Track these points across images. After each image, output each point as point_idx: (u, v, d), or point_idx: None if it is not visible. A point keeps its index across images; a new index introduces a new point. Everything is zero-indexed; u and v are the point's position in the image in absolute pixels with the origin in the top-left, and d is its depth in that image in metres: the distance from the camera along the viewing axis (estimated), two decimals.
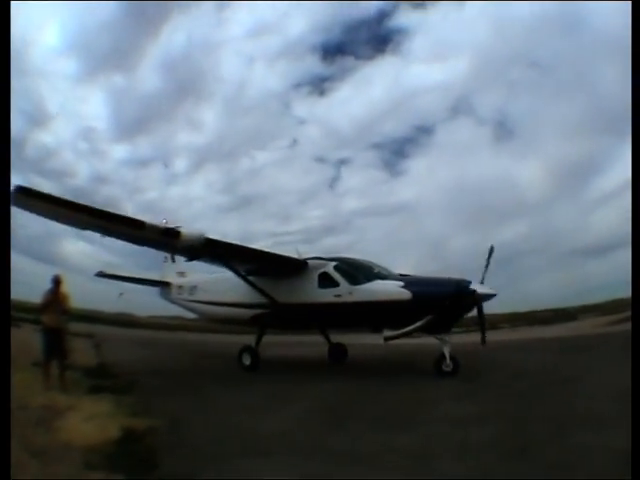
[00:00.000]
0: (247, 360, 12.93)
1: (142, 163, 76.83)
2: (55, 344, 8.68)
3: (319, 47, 71.96)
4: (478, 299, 11.16)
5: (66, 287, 9.20)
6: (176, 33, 65.22)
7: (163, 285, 18.25)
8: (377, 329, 12.01)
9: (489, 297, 11.37)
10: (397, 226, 62.44)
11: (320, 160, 72.07)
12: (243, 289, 13.66)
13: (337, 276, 12.41)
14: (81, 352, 13.10)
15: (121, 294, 22.68)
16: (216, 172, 75.93)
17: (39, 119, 67.95)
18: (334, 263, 12.71)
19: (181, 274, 17.96)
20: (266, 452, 5.55)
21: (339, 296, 12.13)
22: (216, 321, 17.07)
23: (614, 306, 28.17)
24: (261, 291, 13.04)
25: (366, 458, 5.30)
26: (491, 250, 11.96)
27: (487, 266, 11.70)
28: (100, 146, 70.99)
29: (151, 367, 13.22)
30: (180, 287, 17.28)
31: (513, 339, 20.39)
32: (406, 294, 11.27)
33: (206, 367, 14.49)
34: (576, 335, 20.32)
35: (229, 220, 68.99)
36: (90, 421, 6.50)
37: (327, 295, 12.34)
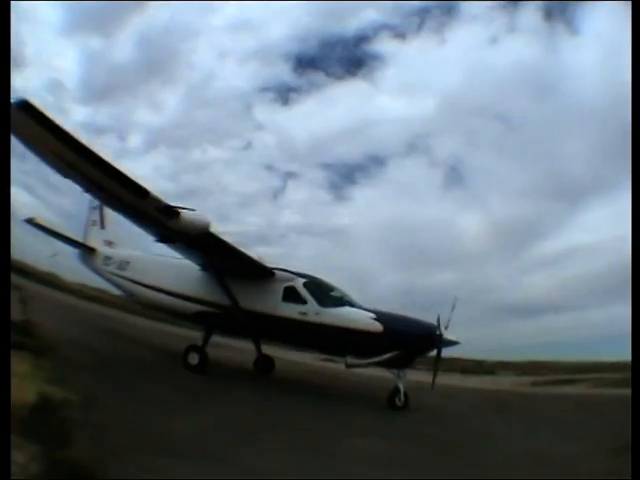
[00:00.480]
0: (194, 360, 12.09)
1: (98, 130, 74.27)
2: None
3: (292, 56, 71.77)
4: (442, 344, 11.86)
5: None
6: (161, 10, 64.30)
7: (87, 250, 16.90)
8: (339, 354, 12.58)
9: (453, 344, 12.29)
10: (329, 249, 62.27)
11: (269, 168, 71.06)
12: (190, 280, 13.36)
13: (305, 293, 12.28)
14: None
15: (54, 255, 21.91)
16: (166, 157, 74.61)
17: (13, 62, 65.16)
18: (303, 280, 12.55)
19: (109, 243, 16.83)
20: (176, 449, 5.70)
21: (304, 314, 12.01)
22: (149, 307, 15.88)
23: (531, 367, 29.01)
24: (227, 292, 12.33)
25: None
26: (454, 302, 12.18)
27: (452, 310, 12.06)
28: (63, 103, 68.80)
29: (75, 338, 12.68)
30: (108, 258, 15.96)
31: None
32: (377, 326, 11.56)
33: (132, 352, 14.02)
34: (495, 389, 20.79)
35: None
36: None
37: (291, 310, 12.16)
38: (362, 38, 61.63)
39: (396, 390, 11.60)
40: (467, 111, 61.88)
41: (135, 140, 74.86)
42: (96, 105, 77.46)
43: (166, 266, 14.25)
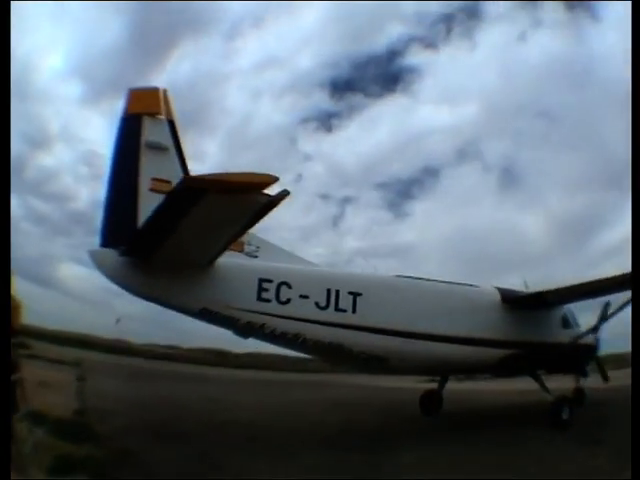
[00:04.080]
0: (566, 413, 9.90)
1: None
2: None
3: (327, 83, 72.16)
4: None
5: (17, 293, 5.35)
6: (182, 61, 64.21)
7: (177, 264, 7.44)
8: (578, 370, 12.73)
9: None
10: (397, 267, 60.43)
11: (324, 197, 70.83)
12: (493, 318, 10.17)
13: (571, 318, 11.95)
14: (58, 389, 9.29)
15: (118, 320, 19.59)
16: None
17: (40, 142, 66.63)
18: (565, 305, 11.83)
19: (240, 247, 8.58)
20: None
21: (573, 338, 11.44)
22: (421, 372, 11.55)
23: (613, 361, 25.43)
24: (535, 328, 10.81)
25: None
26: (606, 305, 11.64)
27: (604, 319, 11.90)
28: (101, 171, 69.53)
29: (153, 419, 9.10)
30: (280, 284, 8.23)
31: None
32: (593, 341, 12.19)
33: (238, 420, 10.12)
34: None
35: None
36: None
37: (567, 336, 11.37)
38: (394, 53, 62.09)
39: (581, 390, 12.71)
40: (509, 111, 61.79)
41: None
42: None
43: (454, 299, 9.97)
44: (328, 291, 8.40)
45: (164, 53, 74.05)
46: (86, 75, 59.65)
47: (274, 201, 5.56)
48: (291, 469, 6.28)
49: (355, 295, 8.57)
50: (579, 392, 12.60)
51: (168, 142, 8.30)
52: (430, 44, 56.46)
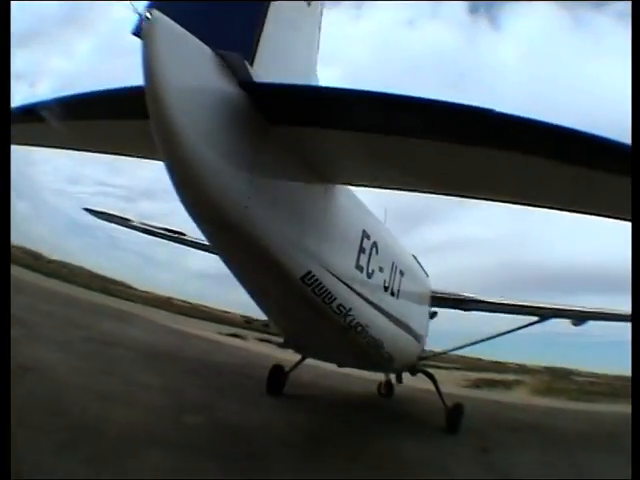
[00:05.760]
0: None
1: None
2: None
3: None
4: None
5: None
6: None
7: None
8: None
9: None
10: None
11: None
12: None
13: None
14: None
15: None
16: None
17: None
18: None
19: None
20: None
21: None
22: None
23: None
24: None
25: None
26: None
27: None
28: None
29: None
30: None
31: None
32: None
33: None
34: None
35: None
36: None
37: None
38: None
39: (391, 383, 11.67)
40: (372, 85, 63.12)
41: (43, 87, 68.88)
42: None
43: (423, 285, 8.73)
44: (392, 265, 5.77)
45: None
46: None
47: None
48: None
49: (402, 275, 6.11)
50: (390, 385, 11.88)
51: None
52: None
